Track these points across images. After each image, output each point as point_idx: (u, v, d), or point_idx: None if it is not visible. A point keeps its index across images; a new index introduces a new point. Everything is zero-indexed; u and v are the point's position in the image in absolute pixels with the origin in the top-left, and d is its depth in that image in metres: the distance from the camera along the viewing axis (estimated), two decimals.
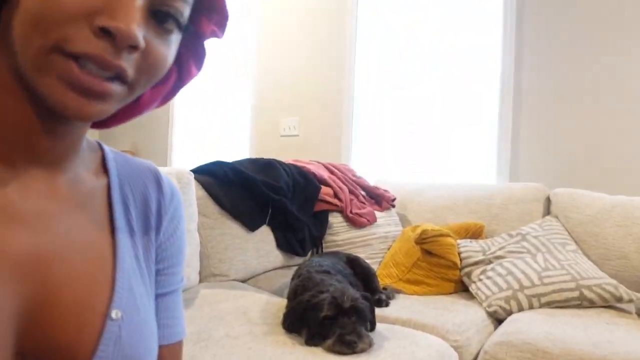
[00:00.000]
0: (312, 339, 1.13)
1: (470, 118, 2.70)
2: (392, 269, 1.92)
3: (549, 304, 1.62)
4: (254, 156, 2.58)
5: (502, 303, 1.62)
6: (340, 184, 2.24)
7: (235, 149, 3.53)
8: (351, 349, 1.07)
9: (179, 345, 0.59)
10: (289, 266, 2.00)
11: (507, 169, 2.57)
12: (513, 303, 1.62)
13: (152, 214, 0.55)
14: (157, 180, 0.58)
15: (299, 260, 2.01)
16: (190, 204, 1.61)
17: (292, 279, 1.46)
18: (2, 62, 0.42)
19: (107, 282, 0.48)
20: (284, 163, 2.13)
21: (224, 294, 1.48)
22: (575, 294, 1.62)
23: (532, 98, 2.54)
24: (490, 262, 1.81)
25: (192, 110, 3.85)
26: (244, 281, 1.79)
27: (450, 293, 1.82)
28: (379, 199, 2.32)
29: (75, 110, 0.40)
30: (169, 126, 3.86)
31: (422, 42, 2.85)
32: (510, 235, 1.94)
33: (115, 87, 0.42)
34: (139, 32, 0.40)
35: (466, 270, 1.82)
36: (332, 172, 2.33)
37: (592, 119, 2.40)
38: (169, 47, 0.45)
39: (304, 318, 1.17)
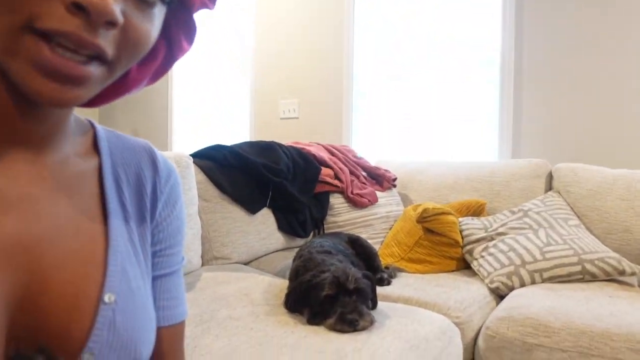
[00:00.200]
0: (314, 318, 1.14)
1: (471, 96, 2.67)
2: (394, 248, 1.92)
3: (551, 279, 1.62)
4: (253, 139, 2.57)
5: (504, 279, 1.63)
6: (341, 165, 2.23)
7: (235, 133, 3.52)
8: (352, 327, 1.07)
9: (180, 326, 0.59)
10: (290, 248, 2.01)
11: (509, 146, 2.55)
12: (515, 279, 1.62)
13: (147, 194, 0.54)
14: (153, 159, 0.56)
15: (300, 241, 2.02)
16: (190, 188, 1.60)
17: (294, 260, 1.46)
18: None
19: (99, 266, 0.47)
20: (284, 145, 2.11)
21: (226, 277, 1.49)
22: (578, 268, 1.62)
23: (533, 74, 2.51)
24: (492, 239, 1.81)
25: (191, 94, 3.82)
26: (246, 264, 1.79)
27: (452, 271, 1.82)
28: (380, 179, 2.31)
29: (49, 97, 0.38)
30: (168, 111, 3.85)
31: (422, 20, 2.81)
32: (512, 212, 1.93)
33: (94, 69, 0.40)
34: (116, 7, 0.38)
35: (468, 247, 1.82)
36: (332, 154, 2.32)
37: (594, 94, 2.37)
38: (151, 22, 0.43)
39: (305, 298, 1.17)
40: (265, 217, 1.91)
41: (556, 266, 1.62)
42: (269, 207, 1.93)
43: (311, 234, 2.09)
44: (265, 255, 1.89)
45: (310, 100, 3.18)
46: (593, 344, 1.23)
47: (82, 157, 0.50)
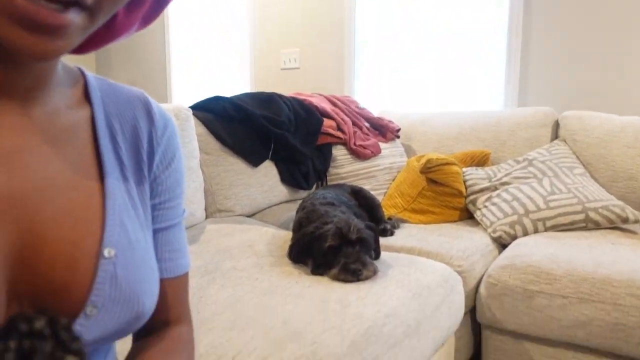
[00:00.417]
0: (318, 269, 1.15)
1: (477, 43, 2.58)
2: (397, 199, 1.92)
3: (554, 228, 1.63)
4: (254, 91, 2.52)
5: (507, 228, 1.63)
6: (343, 116, 2.19)
7: (235, 84, 3.45)
8: (355, 276, 1.09)
9: (184, 278, 0.59)
10: (293, 200, 2.01)
11: (515, 94, 2.49)
12: (518, 228, 1.63)
13: (143, 146, 0.52)
14: (148, 109, 0.54)
15: (303, 194, 2.02)
16: (191, 140, 1.58)
17: (297, 212, 1.46)
18: None
19: (96, 220, 0.46)
20: (285, 96, 2.07)
21: (230, 229, 1.50)
22: (581, 216, 1.61)
23: (542, 20, 2.41)
24: (495, 188, 1.80)
25: (189, 45, 3.72)
26: (249, 216, 1.80)
27: (455, 221, 1.83)
28: (383, 130, 2.27)
29: (28, 51, 0.36)
30: (166, 62, 3.76)
31: None
32: (517, 161, 1.91)
33: (73, 17, 0.37)
34: None
35: (471, 197, 1.82)
36: (334, 104, 2.28)
37: (602, 40, 2.28)
38: None
39: (309, 249, 1.18)
40: (268, 170, 1.90)
41: (560, 215, 1.62)
42: (271, 159, 1.91)
43: (314, 186, 2.09)
44: (269, 207, 1.89)
45: (312, 49, 3.09)
46: (594, 290, 1.25)
47: (73, 108, 0.48)
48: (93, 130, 0.49)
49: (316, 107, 2.14)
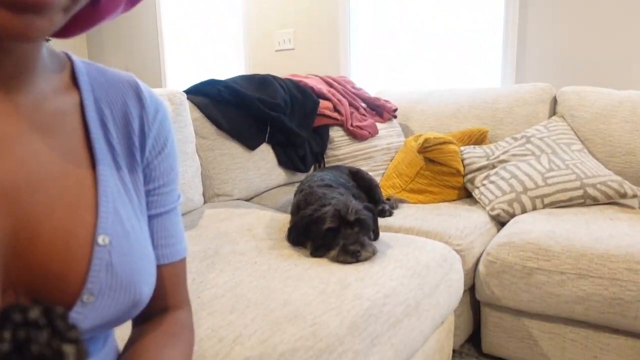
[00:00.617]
0: (317, 251, 1.15)
1: (474, 20, 2.55)
2: (396, 179, 1.91)
3: (553, 204, 1.63)
4: (249, 73, 2.49)
5: (505, 206, 1.63)
6: (340, 97, 2.17)
7: (229, 67, 3.41)
8: (355, 257, 1.09)
9: (181, 263, 0.58)
10: (291, 183, 2.01)
11: (512, 71, 2.46)
12: (516, 205, 1.63)
13: (135, 132, 0.52)
14: (138, 94, 0.53)
15: (301, 176, 2.01)
16: (186, 125, 1.57)
17: (295, 194, 1.46)
18: None
19: (89, 208, 0.45)
20: (280, 78, 2.05)
21: (228, 213, 1.50)
22: (579, 192, 1.61)
23: None
24: (493, 166, 1.80)
25: (181, 28, 3.67)
26: (247, 200, 1.80)
27: (454, 200, 1.83)
28: (380, 110, 2.26)
29: (8, 30, 0.35)
30: (159, 46, 3.71)
31: None
32: (515, 139, 1.90)
33: None
34: None
35: (469, 176, 1.82)
36: (330, 85, 2.26)
37: (599, 15, 2.25)
38: None
39: (307, 231, 1.18)
40: (265, 153, 1.89)
41: (558, 191, 1.62)
42: (268, 142, 1.90)
43: (312, 168, 2.08)
44: (267, 190, 1.89)
45: (306, 30, 3.04)
46: (592, 265, 1.25)
47: (60, 94, 0.47)
48: (82, 117, 0.48)
49: (312, 88, 2.12)
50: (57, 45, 0.47)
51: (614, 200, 1.63)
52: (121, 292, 0.46)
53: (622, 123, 1.86)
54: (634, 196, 1.62)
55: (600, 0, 2.24)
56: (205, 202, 1.69)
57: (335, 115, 2.10)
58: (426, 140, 1.80)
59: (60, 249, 0.43)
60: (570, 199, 1.62)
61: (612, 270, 1.23)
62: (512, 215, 1.62)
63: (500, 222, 1.66)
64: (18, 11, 0.34)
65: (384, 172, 2.05)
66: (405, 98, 2.40)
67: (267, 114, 1.83)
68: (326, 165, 2.07)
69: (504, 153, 1.83)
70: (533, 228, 1.41)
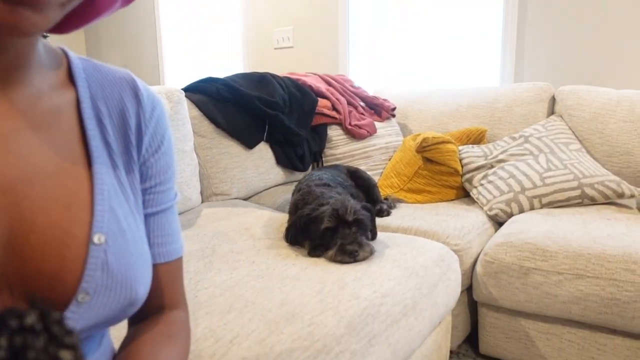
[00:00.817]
0: (315, 251, 1.15)
1: (474, 18, 2.55)
2: (394, 179, 1.91)
3: (550, 204, 1.63)
4: (247, 71, 2.48)
5: (503, 206, 1.63)
6: (338, 96, 2.17)
7: (228, 64, 3.40)
8: (352, 257, 1.09)
9: (177, 262, 0.58)
10: (289, 182, 2.00)
11: (511, 70, 2.46)
12: (514, 205, 1.63)
13: (131, 129, 0.51)
14: (135, 91, 0.52)
15: (299, 175, 2.01)
16: (184, 123, 1.56)
17: (293, 193, 1.46)
18: None
19: (85, 206, 0.45)
20: (279, 77, 2.04)
21: (226, 212, 1.49)
22: (577, 192, 1.62)
23: None
24: (492, 166, 1.80)
25: (180, 25, 3.65)
26: (245, 199, 1.80)
27: (452, 200, 1.83)
28: (379, 109, 2.26)
29: (3, 24, 0.34)
30: (157, 44, 3.70)
31: None
32: (513, 138, 1.90)
33: None
34: None
35: (467, 176, 1.82)
36: (329, 84, 2.25)
37: (598, 14, 2.25)
38: None
39: (305, 231, 1.18)
40: (263, 152, 1.88)
41: (556, 191, 1.62)
42: (266, 141, 1.90)
43: (310, 167, 2.08)
44: (265, 190, 1.89)
45: (305, 28, 3.04)
46: (589, 265, 1.25)
47: (56, 91, 0.46)
48: (78, 113, 0.47)
49: (310, 86, 2.11)
50: (55, 41, 0.46)
51: (612, 200, 1.64)
52: (117, 291, 0.45)
53: (620, 123, 1.86)
54: (632, 196, 1.62)
55: (599, 0, 2.24)
56: (203, 201, 1.69)
57: (334, 114, 2.10)
58: (424, 139, 1.80)
59: (55, 247, 0.42)
60: (568, 199, 1.62)
61: (610, 271, 1.23)
62: (510, 215, 1.62)
63: (498, 222, 1.66)
64: (14, 6, 0.34)
65: (382, 172, 2.05)
66: (404, 97, 2.40)
67: (266, 112, 1.83)
68: (324, 165, 2.07)
69: (502, 153, 1.83)
70: (531, 228, 1.42)
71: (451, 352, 1.49)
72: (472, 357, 1.52)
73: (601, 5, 2.24)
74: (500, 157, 1.82)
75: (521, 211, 1.62)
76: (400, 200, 1.79)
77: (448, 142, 1.81)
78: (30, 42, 0.42)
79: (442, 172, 1.81)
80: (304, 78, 2.18)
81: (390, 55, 2.83)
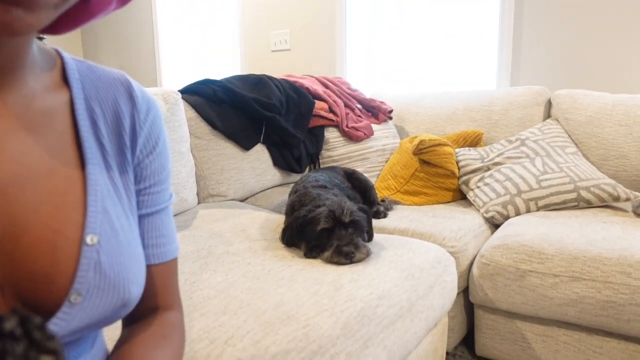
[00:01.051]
0: (311, 252, 1.15)
1: (470, 21, 2.56)
2: (390, 181, 1.91)
3: (546, 207, 1.63)
4: (244, 73, 2.48)
5: (500, 208, 1.64)
6: (335, 98, 2.17)
7: (225, 67, 3.40)
8: (349, 259, 1.08)
9: (172, 263, 0.58)
10: (286, 184, 2.00)
11: (507, 73, 2.47)
12: (510, 208, 1.63)
13: (126, 130, 0.51)
14: (129, 92, 0.52)
15: (296, 177, 2.01)
16: (180, 124, 1.56)
17: (289, 195, 1.46)
18: None
19: (78, 207, 0.45)
20: (276, 79, 2.04)
21: (222, 213, 1.49)
22: (573, 195, 1.62)
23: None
24: (488, 169, 1.80)
25: (177, 28, 3.65)
26: (242, 200, 1.79)
27: (448, 202, 1.83)
28: (376, 112, 2.26)
29: None
30: (154, 46, 3.70)
31: None
32: (509, 141, 1.91)
33: None
34: None
35: (464, 178, 1.82)
36: (326, 86, 2.26)
37: (594, 19, 2.26)
38: None
39: (302, 232, 1.18)
40: (260, 154, 1.88)
41: (552, 194, 1.63)
42: (263, 143, 1.90)
43: (307, 169, 2.08)
44: (261, 191, 1.89)
45: (303, 30, 3.04)
46: (585, 268, 1.26)
47: (50, 92, 0.46)
48: (72, 115, 0.47)
49: (307, 89, 2.11)
50: (52, 43, 0.46)
51: (608, 203, 1.64)
52: (110, 292, 0.45)
53: (616, 126, 1.87)
54: (627, 199, 1.63)
55: (596, 4, 2.26)
56: (199, 203, 1.68)
57: (331, 116, 2.10)
58: (421, 142, 1.80)
59: (47, 248, 0.42)
60: (564, 202, 1.62)
61: (605, 273, 1.23)
62: (506, 218, 1.62)
63: (494, 225, 1.66)
64: (7, 5, 0.34)
65: (379, 174, 2.05)
66: (401, 100, 2.40)
67: (263, 114, 1.83)
68: (321, 166, 2.07)
69: (498, 155, 1.84)
70: (527, 230, 1.42)
71: (447, 353, 1.49)
72: (468, 359, 1.52)
73: (597, 10, 2.26)
74: (497, 159, 1.82)
75: (517, 214, 1.62)
76: (397, 202, 1.79)
77: (445, 144, 1.82)
78: (23, 42, 0.42)
79: (438, 175, 1.81)
80: (301, 80, 2.18)
81: (387, 58, 2.83)
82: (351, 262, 1.09)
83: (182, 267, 1.07)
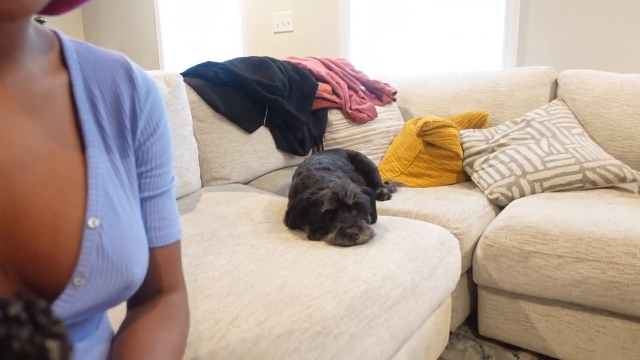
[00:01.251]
0: (314, 234, 1.15)
1: (475, 2, 2.51)
2: (394, 163, 1.90)
3: (551, 188, 1.62)
4: (247, 55, 2.46)
5: (504, 190, 1.63)
6: (339, 80, 2.15)
7: (227, 49, 3.37)
8: (352, 241, 1.08)
9: (175, 246, 0.58)
10: (289, 166, 2.00)
11: (514, 54, 2.44)
12: (515, 189, 1.62)
13: (126, 113, 0.50)
14: (129, 74, 0.52)
15: (299, 160, 2.01)
16: (183, 107, 1.55)
17: (293, 177, 1.45)
18: None
19: (79, 190, 0.45)
20: (278, 61, 2.02)
21: (226, 196, 1.49)
22: (579, 176, 1.61)
23: None
24: (493, 150, 1.79)
25: (178, 9, 3.61)
26: (245, 183, 1.79)
27: (453, 184, 1.82)
28: (379, 93, 2.24)
29: None
30: (156, 28, 3.66)
31: None
32: (515, 122, 1.89)
33: None
34: None
35: (468, 160, 1.81)
36: (329, 68, 2.23)
37: None
38: None
39: (305, 215, 1.18)
40: (263, 136, 1.87)
41: (557, 175, 1.62)
42: (266, 125, 1.89)
43: (310, 151, 2.07)
44: (265, 174, 1.88)
45: (305, 11, 3.00)
46: (590, 249, 1.25)
47: (48, 74, 0.46)
48: (71, 97, 0.47)
49: (310, 70, 2.09)
50: (53, 25, 0.45)
51: (614, 184, 1.63)
52: (113, 274, 0.45)
53: (623, 107, 1.85)
54: (634, 180, 1.61)
55: None
56: (202, 186, 1.68)
57: (334, 98, 2.08)
58: (425, 123, 1.78)
59: (49, 230, 0.42)
60: (570, 183, 1.61)
61: (610, 254, 1.23)
62: (511, 199, 1.62)
63: (498, 206, 1.65)
64: None
65: (382, 156, 2.04)
66: (405, 81, 2.37)
67: (265, 96, 1.81)
68: (325, 149, 2.06)
69: (503, 137, 1.82)
70: (531, 212, 1.41)
71: (451, 333, 1.50)
72: (472, 339, 1.53)
73: None
74: (502, 141, 1.80)
75: (522, 195, 1.62)
76: (400, 184, 1.79)
77: (449, 126, 1.80)
78: (20, 25, 0.41)
79: (443, 156, 1.80)
80: (304, 62, 2.16)
81: (391, 39, 2.79)
82: (355, 244, 1.09)
83: (186, 249, 1.07)
